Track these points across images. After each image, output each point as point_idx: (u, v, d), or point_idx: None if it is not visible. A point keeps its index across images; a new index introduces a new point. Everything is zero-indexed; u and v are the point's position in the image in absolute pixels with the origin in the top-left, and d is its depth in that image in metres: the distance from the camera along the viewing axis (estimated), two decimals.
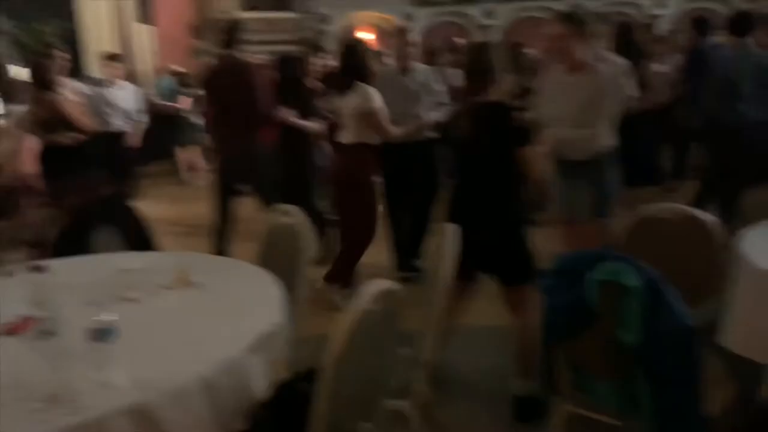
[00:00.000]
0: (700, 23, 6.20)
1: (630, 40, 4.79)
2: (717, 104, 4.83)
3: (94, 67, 8.88)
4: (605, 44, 4.02)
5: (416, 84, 4.51)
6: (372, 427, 1.92)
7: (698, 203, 4.30)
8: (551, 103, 3.48)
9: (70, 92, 5.02)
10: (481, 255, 2.92)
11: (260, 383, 1.74)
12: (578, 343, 2.10)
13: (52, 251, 2.81)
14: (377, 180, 4.26)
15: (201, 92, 8.48)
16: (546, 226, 3.74)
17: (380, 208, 4.46)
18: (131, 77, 8.45)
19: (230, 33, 4.63)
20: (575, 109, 3.37)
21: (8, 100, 5.31)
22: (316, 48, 5.82)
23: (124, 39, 10.82)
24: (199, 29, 13.20)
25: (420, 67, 4.65)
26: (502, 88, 3.00)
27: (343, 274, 4.21)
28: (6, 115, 5.39)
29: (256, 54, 4.79)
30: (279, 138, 4.92)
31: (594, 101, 3.35)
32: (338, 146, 4.26)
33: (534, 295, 2.73)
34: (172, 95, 9.07)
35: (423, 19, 15.49)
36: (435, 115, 4.43)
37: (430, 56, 6.14)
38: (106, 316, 1.60)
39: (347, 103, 4.03)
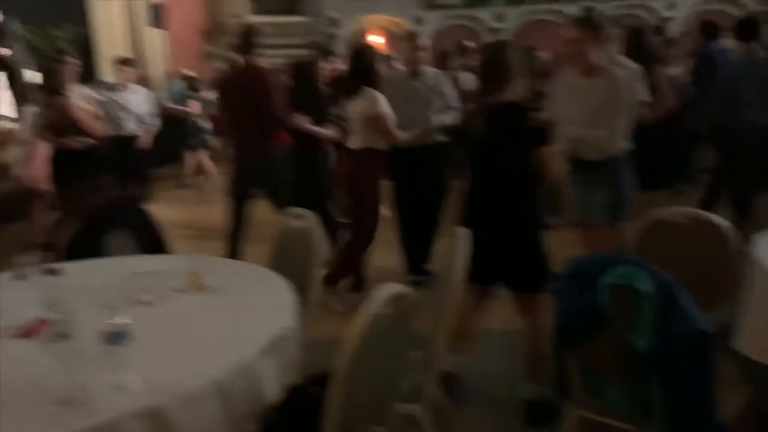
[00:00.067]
0: (706, 27, 6.16)
1: (641, 44, 4.77)
2: (722, 109, 4.81)
3: (107, 71, 8.96)
4: (617, 48, 4.00)
5: (426, 88, 4.50)
6: (384, 430, 1.92)
7: (705, 206, 4.27)
8: (564, 106, 3.46)
9: (80, 98, 5.05)
10: (496, 261, 2.88)
11: (272, 386, 1.74)
12: (590, 347, 2.09)
13: (64, 254, 2.82)
14: (384, 185, 4.26)
15: (209, 96, 8.57)
16: (561, 229, 3.72)
17: (387, 213, 4.46)
18: (143, 81, 8.52)
19: (245, 38, 4.63)
20: (589, 113, 3.35)
21: (22, 103, 5.36)
22: (327, 52, 5.83)
23: (137, 43, 10.89)
24: (210, 34, 13.27)
25: (430, 71, 4.63)
26: (516, 90, 2.97)
27: (342, 275, 4.23)
28: (19, 119, 5.44)
29: (267, 58, 4.78)
30: (293, 143, 4.93)
31: (608, 105, 3.33)
32: (348, 152, 4.26)
33: (546, 298, 2.72)
34: (182, 99, 9.13)
35: (433, 22, 15.47)
36: (444, 119, 4.43)
37: (442, 60, 6.14)
38: (120, 319, 1.61)
39: (354, 108, 4.05)
